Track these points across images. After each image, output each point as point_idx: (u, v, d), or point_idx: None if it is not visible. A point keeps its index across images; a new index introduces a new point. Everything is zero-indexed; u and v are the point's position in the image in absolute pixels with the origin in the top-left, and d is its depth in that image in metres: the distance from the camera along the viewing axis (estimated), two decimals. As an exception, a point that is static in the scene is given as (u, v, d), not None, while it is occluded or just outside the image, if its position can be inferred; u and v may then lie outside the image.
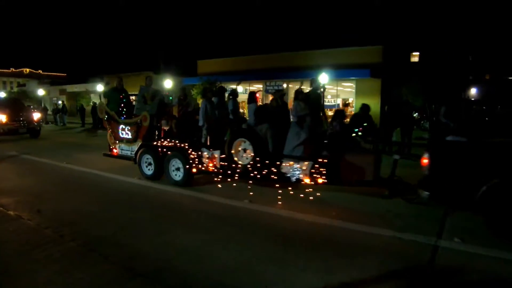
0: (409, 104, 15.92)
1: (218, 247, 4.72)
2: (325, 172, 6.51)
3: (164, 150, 8.33)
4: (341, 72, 24.08)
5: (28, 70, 78.33)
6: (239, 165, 7.38)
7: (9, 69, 77.30)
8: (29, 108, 23.41)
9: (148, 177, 8.62)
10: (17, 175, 9.54)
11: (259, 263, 4.27)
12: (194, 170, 7.86)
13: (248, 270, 4.09)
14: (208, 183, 8.26)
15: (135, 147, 8.92)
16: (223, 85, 29.34)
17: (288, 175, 6.85)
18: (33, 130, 19.11)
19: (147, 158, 8.69)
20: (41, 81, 59.82)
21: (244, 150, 7.39)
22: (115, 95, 9.81)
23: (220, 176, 7.84)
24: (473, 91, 37.21)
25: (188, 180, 7.99)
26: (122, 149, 9.39)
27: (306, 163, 6.65)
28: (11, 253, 4.60)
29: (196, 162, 7.83)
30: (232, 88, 9.51)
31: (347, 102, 27.48)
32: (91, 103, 32.30)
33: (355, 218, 5.82)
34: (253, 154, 7.18)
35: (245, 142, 7.36)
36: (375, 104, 23.92)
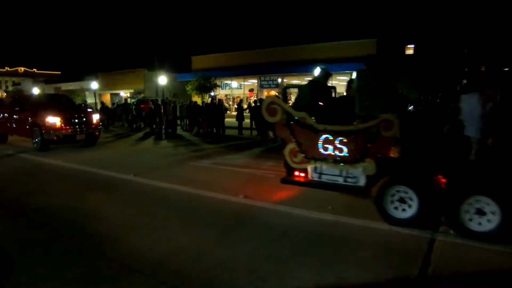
0: (404, 97, 15.98)
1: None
2: None
3: (453, 180, 5.02)
4: (336, 65, 24.08)
5: (23, 69, 78.07)
6: None
7: (4, 68, 76.94)
8: (85, 107, 20.57)
9: (400, 222, 5.20)
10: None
11: (255, 258, 4.26)
12: None
13: (244, 266, 4.07)
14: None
15: (356, 171, 5.62)
16: (217, 81, 29.62)
17: None
18: (92, 136, 14.53)
19: (399, 191, 5.26)
20: (36, 79, 59.59)
21: None
22: (316, 89, 6.55)
23: None
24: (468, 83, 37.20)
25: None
26: (321, 173, 6.03)
27: None
28: (9, 250, 4.56)
29: None
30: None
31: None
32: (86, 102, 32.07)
33: (351, 212, 5.82)
34: None
35: None
36: (370, 98, 23.94)
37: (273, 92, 29.12)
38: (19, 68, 78.00)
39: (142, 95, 35.66)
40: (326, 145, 5.80)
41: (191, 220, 5.64)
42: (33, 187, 7.86)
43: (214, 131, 18.71)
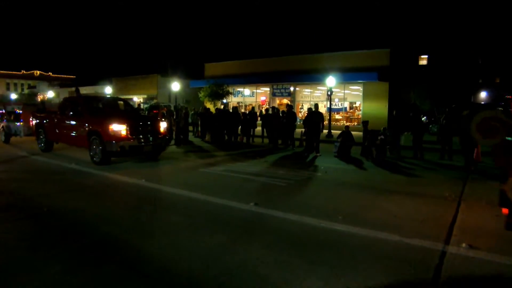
0: (417, 108, 15.95)
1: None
2: None
3: None
4: (349, 75, 24.09)
5: (38, 72, 79.55)
6: None
7: (20, 71, 78.56)
8: (149, 113, 18.20)
9: None
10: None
11: (264, 266, 4.25)
12: None
13: (253, 273, 4.07)
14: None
15: None
16: (230, 88, 29.75)
17: None
18: (158, 148, 12.24)
19: None
20: (51, 83, 60.56)
21: None
22: None
23: None
24: (482, 94, 36.93)
25: None
26: None
27: None
28: (17, 252, 4.61)
29: None
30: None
31: (354, 105, 27.43)
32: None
33: (361, 222, 5.78)
34: None
35: None
36: (382, 108, 23.93)
37: (285, 101, 29.16)
38: (34, 72, 79.48)
39: (155, 100, 35.99)
40: None
41: (201, 226, 5.65)
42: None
43: (226, 138, 18.76)
